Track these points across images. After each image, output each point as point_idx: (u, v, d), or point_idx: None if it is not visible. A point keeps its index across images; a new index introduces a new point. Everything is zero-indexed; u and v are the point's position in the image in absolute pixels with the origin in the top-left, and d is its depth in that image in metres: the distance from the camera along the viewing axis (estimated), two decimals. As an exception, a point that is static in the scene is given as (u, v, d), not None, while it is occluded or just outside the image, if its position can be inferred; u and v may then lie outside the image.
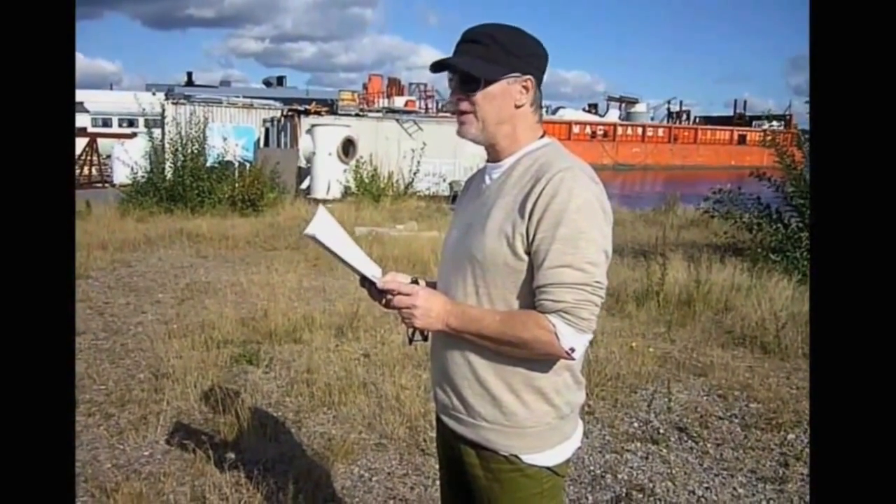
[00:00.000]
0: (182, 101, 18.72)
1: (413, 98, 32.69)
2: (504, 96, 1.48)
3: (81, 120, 30.28)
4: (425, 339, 1.59)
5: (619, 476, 3.25)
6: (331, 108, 21.71)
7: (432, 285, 1.62)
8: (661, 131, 57.39)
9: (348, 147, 16.71)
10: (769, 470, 3.33)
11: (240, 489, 3.00)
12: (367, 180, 16.04)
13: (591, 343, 1.47)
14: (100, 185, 19.80)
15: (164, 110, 17.40)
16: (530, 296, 1.42)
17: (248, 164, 14.79)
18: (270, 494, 2.94)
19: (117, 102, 35.13)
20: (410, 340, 1.61)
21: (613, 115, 60.41)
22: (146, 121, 17.33)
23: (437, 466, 2.10)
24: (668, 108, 67.23)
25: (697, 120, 67.48)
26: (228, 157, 14.26)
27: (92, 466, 3.20)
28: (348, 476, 3.20)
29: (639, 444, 3.58)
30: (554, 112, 53.59)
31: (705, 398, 4.22)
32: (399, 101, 29.21)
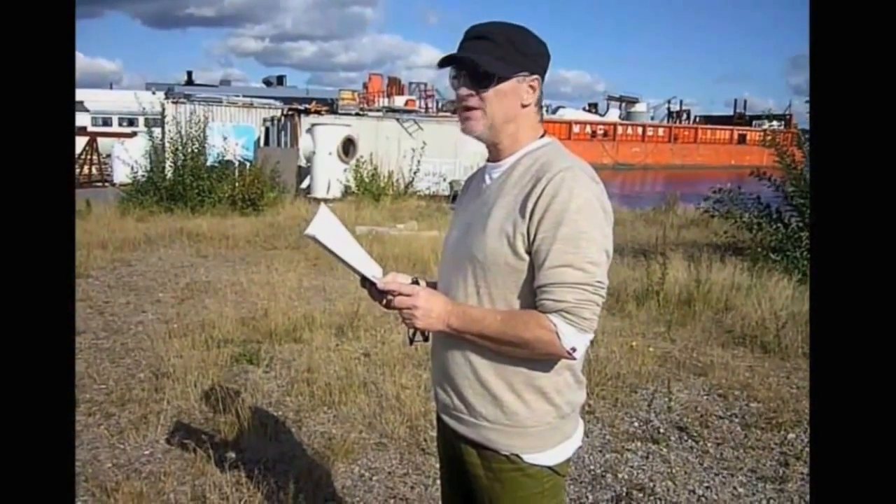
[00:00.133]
0: (182, 100, 18.74)
1: (413, 97, 32.64)
2: (513, 95, 1.47)
3: (81, 119, 30.29)
4: (426, 339, 1.59)
5: (620, 475, 3.25)
6: (331, 107, 21.74)
7: (432, 285, 1.62)
8: (661, 131, 57.38)
9: (348, 146, 16.71)
10: (769, 469, 3.33)
11: (240, 488, 3.00)
12: (367, 180, 16.04)
13: (591, 342, 1.47)
14: (100, 184, 19.81)
15: (164, 109, 17.40)
16: (531, 295, 1.42)
17: (248, 164, 14.79)
18: (271, 494, 2.94)
19: (117, 101, 35.12)
20: (411, 341, 1.61)
21: (613, 115, 60.40)
22: (146, 120, 17.36)
23: (437, 466, 2.10)
24: (669, 108, 67.26)
25: (697, 119, 67.49)
26: (228, 157, 14.27)
27: (92, 466, 3.20)
28: (349, 475, 3.21)
29: (639, 444, 3.58)
30: (554, 111, 53.57)
31: (705, 398, 4.22)
32: (399, 101, 29.17)
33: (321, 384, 4.16)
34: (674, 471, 3.28)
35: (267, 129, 19.69)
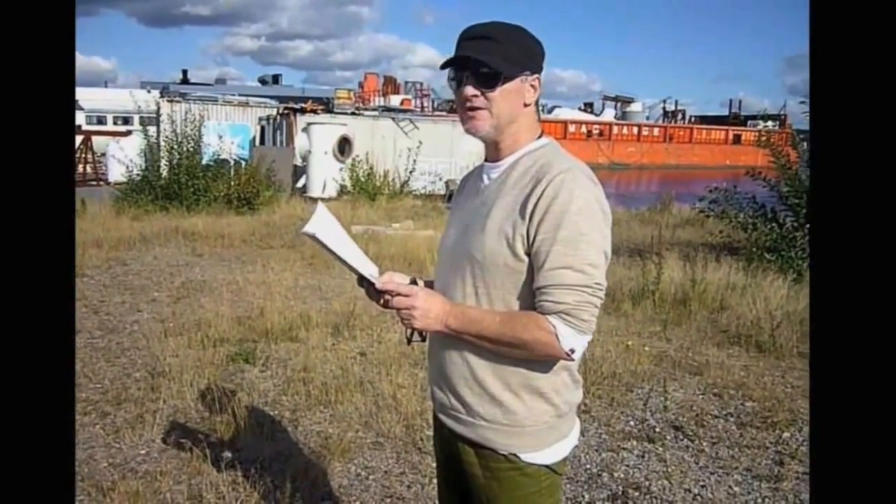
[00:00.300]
0: (177, 98, 18.67)
1: (409, 97, 32.60)
2: (518, 94, 1.48)
3: (76, 117, 30.18)
4: (424, 339, 1.59)
5: (616, 474, 3.26)
6: (327, 106, 21.68)
7: (429, 285, 1.62)
8: (656, 131, 57.43)
9: (344, 145, 16.70)
10: (764, 468, 3.34)
11: (237, 488, 3.00)
12: (363, 179, 16.03)
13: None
14: (94, 182, 19.72)
15: (159, 108, 17.35)
16: (530, 297, 1.42)
17: (243, 163, 14.78)
18: (267, 493, 2.94)
19: (112, 100, 35.00)
20: (409, 341, 1.61)
21: (609, 115, 60.41)
22: (141, 118, 17.29)
23: (433, 465, 2.10)
24: (664, 108, 67.30)
25: (693, 119, 67.57)
26: (224, 156, 14.25)
27: (88, 465, 3.19)
28: (345, 474, 3.21)
29: (635, 443, 3.59)
30: (550, 111, 53.60)
31: (701, 397, 4.23)
32: (395, 100, 29.17)
33: (317, 383, 4.16)
34: (670, 470, 3.29)
35: (263, 128, 19.64)
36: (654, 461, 3.40)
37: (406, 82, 40.69)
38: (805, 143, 8.53)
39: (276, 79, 58.20)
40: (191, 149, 12.83)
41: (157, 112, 17.08)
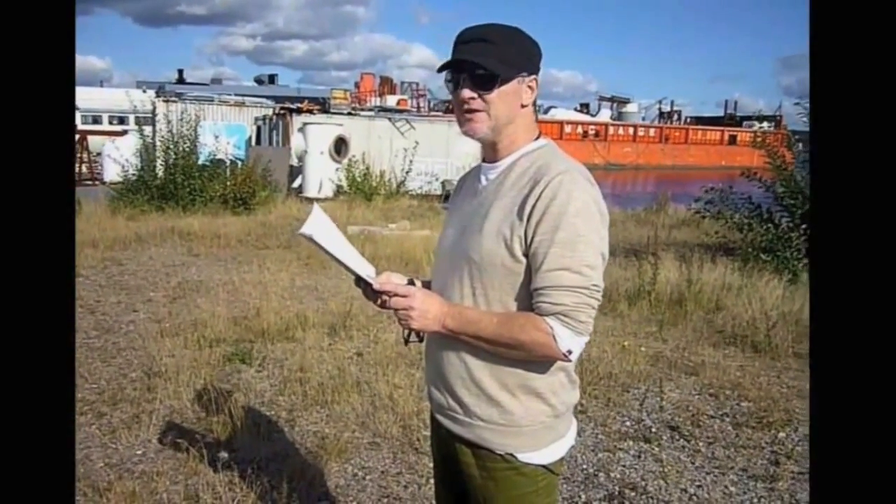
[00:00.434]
0: (173, 98, 18.63)
1: (405, 97, 32.59)
2: (515, 95, 1.48)
3: (72, 117, 30.03)
4: (421, 340, 1.60)
5: (612, 474, 3.27)
6: (323, 106, 21.66)
7: (426, 285, 1.62)
8: (652, 131, 57.52)
9: (340, 146, 16.68)
10: (760, 468, 3.35)
11: (233, 488, 2.99)
12: (359, 179, 16.02)
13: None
14: (90, 182, 19.65)
15: (154, 108, 17.30)
16: (527, 297, 1.43)
17: (239, 163, 14.74)
18: (264, 493, 2.94)
19: (108, 100, 34.83)
20: (406, 341, 1.61)
21: (605, 115, 60.50)
22: (137, 118, 17.21)
23: (430, 465, 2.10)
24: (660, 108, 67.42)
25: (688, 120, 67.68)
26: (220, 156, 14.20)
27: (84, 465, 3.19)
28: (342, 475, 3.21)
29: (631, 443, 3.60)
30: (546, 112, 53.62)
31: (697, 397, 4.24)
32: (391, 100, 29.13)
33: (314, 383, 4.16)
34: (666, 470, 3.30)
35: (258, 128, 19.60)
36: (650, 461, 3.41)
37: (402, 82, 40.74)
38: (800, 144, 8.57)
39: (272, 79, 58.05)
40: (187, 149, 12.79)
41: (153, 112, 17.02)
